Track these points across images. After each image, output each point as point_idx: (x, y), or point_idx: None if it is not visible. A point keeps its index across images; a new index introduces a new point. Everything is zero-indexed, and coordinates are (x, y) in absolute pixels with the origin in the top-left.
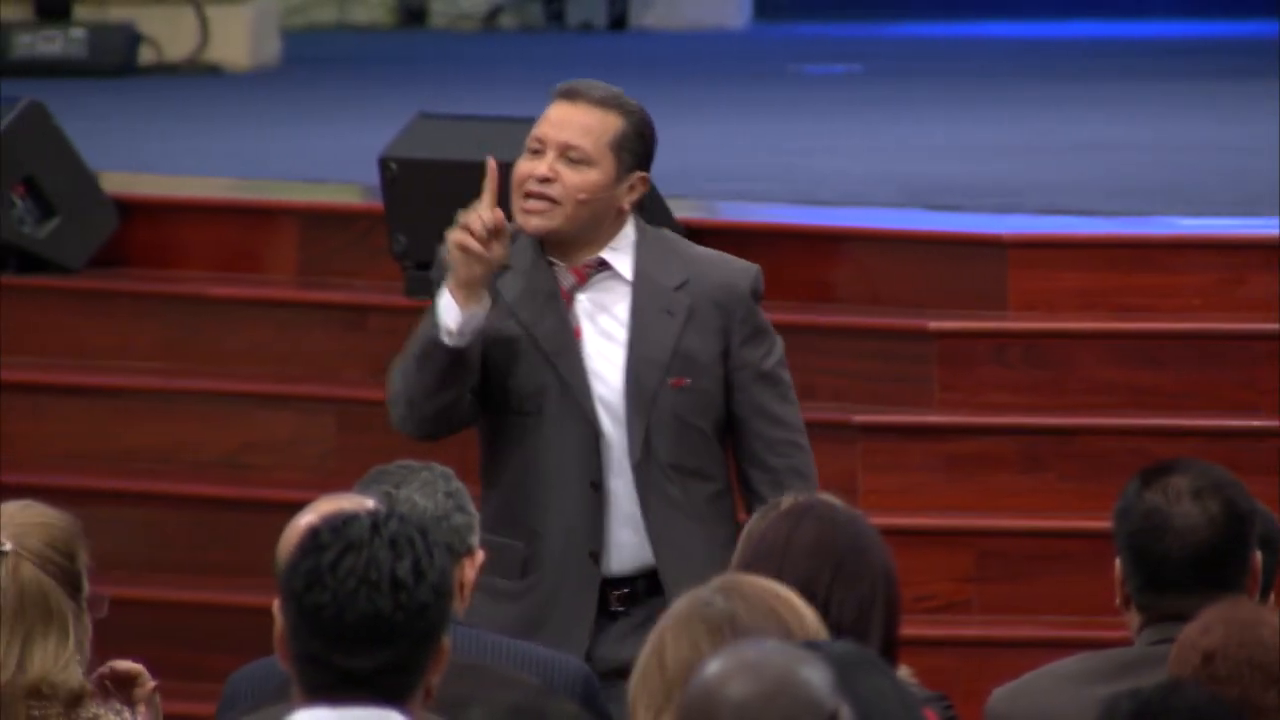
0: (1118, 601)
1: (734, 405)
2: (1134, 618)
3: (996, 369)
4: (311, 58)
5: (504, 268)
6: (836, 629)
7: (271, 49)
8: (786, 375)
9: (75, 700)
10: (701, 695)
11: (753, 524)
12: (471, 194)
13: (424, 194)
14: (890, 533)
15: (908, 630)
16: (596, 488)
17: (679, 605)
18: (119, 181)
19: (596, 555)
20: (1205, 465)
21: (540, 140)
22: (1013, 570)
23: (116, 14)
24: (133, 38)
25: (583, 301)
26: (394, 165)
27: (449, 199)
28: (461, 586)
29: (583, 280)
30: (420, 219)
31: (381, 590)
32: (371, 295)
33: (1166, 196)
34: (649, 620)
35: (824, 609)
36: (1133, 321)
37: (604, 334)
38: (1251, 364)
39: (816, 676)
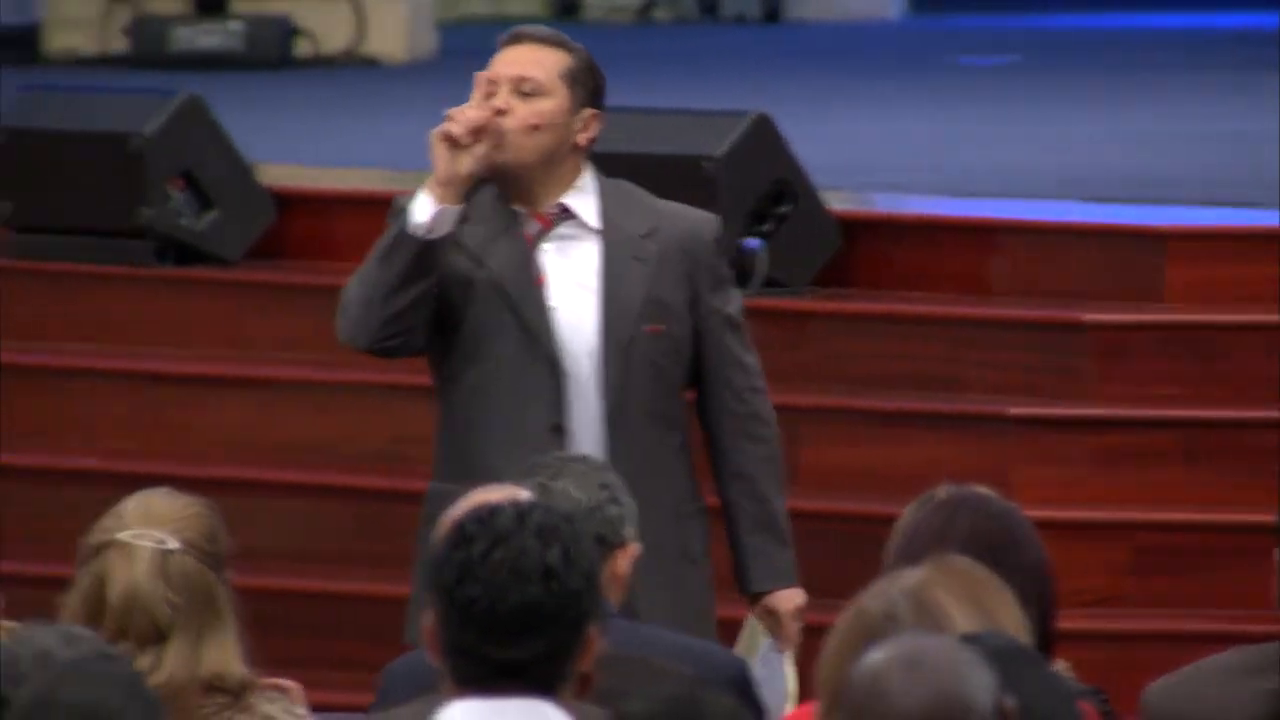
0: (1277, 594)
1: (703, 351)
2: None
3: (1153, 361)
4: (467, 50)
5: (464, 219)
6: None
7: (427, 41)
8: (744, 322)
9: (243, 690)
10: (866, 694)
11: (907, 516)
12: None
13: None
14: (1045, 526)
15: (1063, 623)
16: (558, 430)
17: (871, 609)
18: (276, 174)
19: None
20: None
21: (492, 80)
22: (1169, 564)
23: (273, 7)
24: (289, 30)
25: (549, 251)
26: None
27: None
28: (616, 578)
29: (547, 226)
30: None
31: (533, 580)
32: None
33: None
34: None
35: None
36: None
37: (575, 282)
38: None
39: (982, 676)
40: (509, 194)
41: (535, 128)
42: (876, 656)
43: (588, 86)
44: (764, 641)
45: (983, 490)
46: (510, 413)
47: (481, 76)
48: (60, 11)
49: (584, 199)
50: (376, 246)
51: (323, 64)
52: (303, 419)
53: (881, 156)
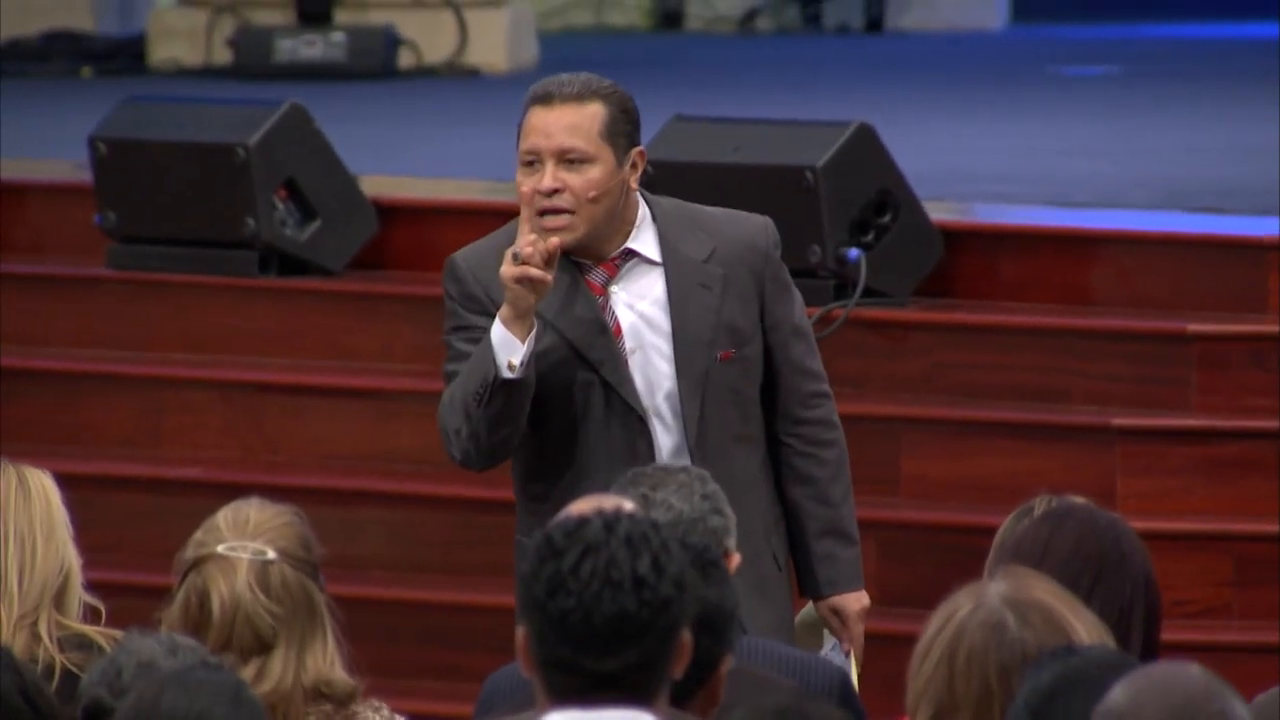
0: None
1: (771, 360)
2: None
3: (1256, 372)
4: (568, 60)
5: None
6: None
7: (529, 52)
8: (809, 325)
9: (348, 698)
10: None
11: (1007, 527)
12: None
13: (679, 196)
14: (1149, 536)
15: (1166, 635)
16: None
17: (970, 614)
18: (378, 184)
19: None
20: None
21: (533, 153)
22: (1272, 575)
23: (376, 17)
24: (392, 41)
25: (618, 293)
26: (649, 169)
27: (702, 201)
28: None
29: (614, 273)
30: None
31: (625, 589)
32: None
33: None
34: None
35: None
36: None
37: (646, 322)
38: None
39: (1239, 703)
40: (572, 251)
41: (593, 200)
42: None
43: (626, 132)
44: (828, 641)
45: (1083, 501)
46: (598, 469)
47: (521, 151)
48: (164, 23)
49: (643, 235)
50: (465, 376)
51: (425, 74)
52: (404, 429)
53: (983, 166)
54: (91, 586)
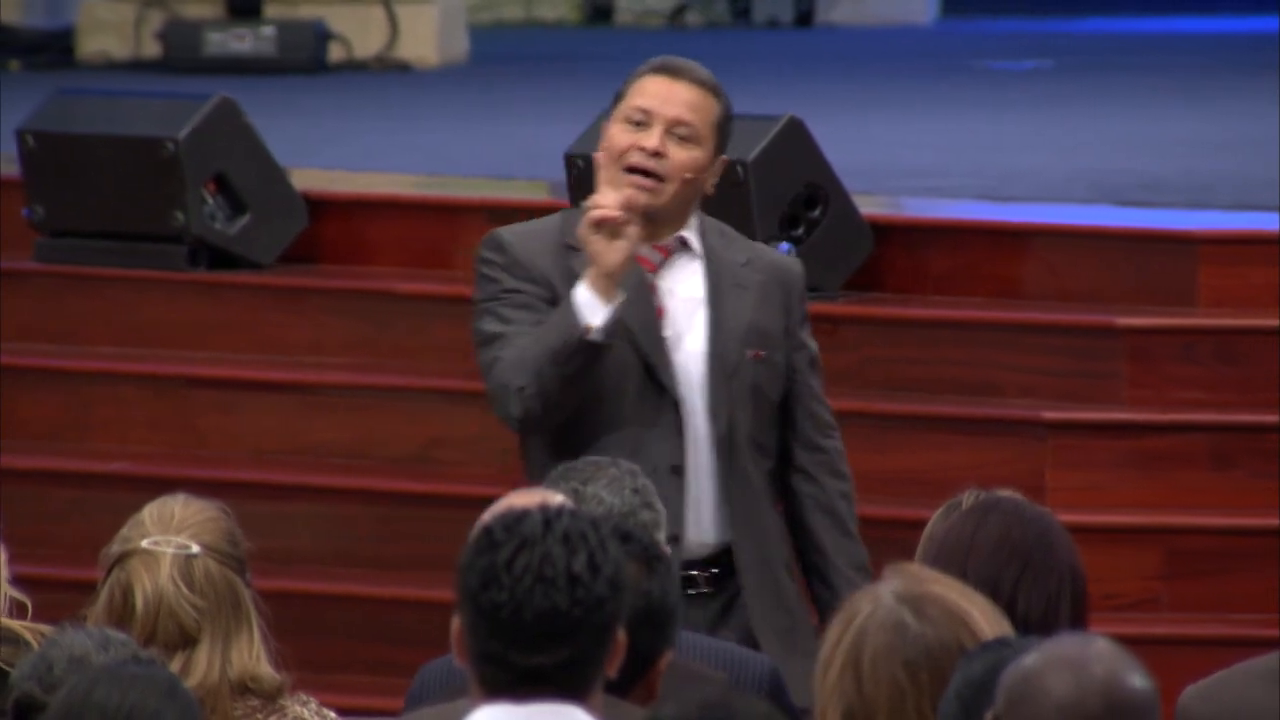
0: None
1: (793, 384)
2: None
3: (1185, 366)
4: (499, 54)
5: (574, 248)
6: (1023, 626)
7: (459, 46)
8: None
9: (275, 693)
10: (1025, 696)
11: (935, 521)
12: None
13: None
14: (1078, 530)
15: (1096, 628)
16: (678, 472)
17: (869, 617)
18: (309, 178)
19: (678, 538)
20: None
21: (645, 112)
22: (1201, 568)
23: (306, 11)
24: (322, 35)
25: (662, 279)
26: (580, 162)
27: None
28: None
29: (667, 257)
30: None
31: (558, 586)
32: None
33: None
34: (733, 603)
35: (1010, 606)
36: None
37: (685, 309)
38: None
39: (1142, 672)
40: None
41: (687, 181)
42: (1033, 659)
43: (727, 134)
44: None
45: (1012, 494)
46: (632, 449)
47: (630, 107)
48: (93, 16)
49: (692, 231)
50: (541, 340)
51: (355, 68)
52: (335, 423)
53: (913, 160)
54: (18, 581)
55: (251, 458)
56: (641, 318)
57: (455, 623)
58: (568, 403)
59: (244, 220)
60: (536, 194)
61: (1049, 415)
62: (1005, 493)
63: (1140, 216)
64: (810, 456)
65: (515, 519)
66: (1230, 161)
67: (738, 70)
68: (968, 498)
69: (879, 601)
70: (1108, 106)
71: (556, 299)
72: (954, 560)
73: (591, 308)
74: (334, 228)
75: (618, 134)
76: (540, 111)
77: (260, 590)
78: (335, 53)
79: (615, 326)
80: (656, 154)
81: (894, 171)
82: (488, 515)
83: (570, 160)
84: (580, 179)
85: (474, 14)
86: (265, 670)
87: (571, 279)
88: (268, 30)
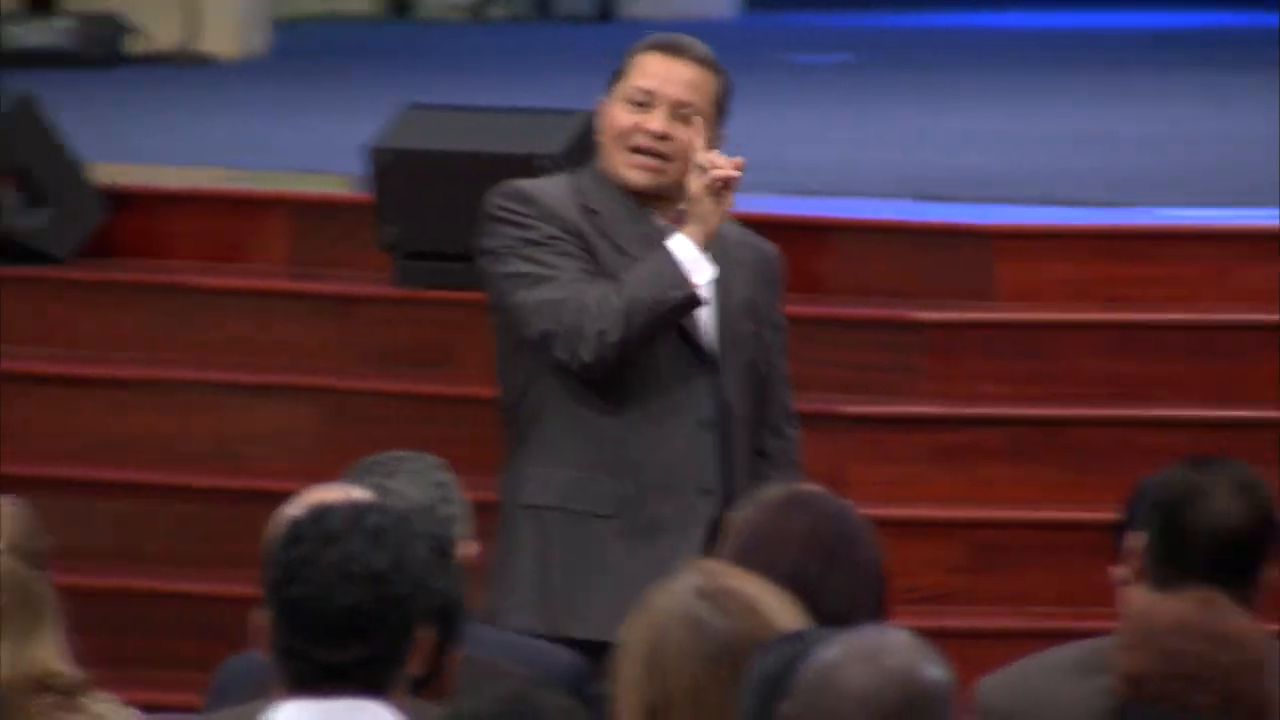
0: (1120, 577)
1: (769, 367)
2: (1137, 599)
3: (985, 360)
4: (300, 48)
5: (593, 210)
6: (827, 619)
7: (260, 39)
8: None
9: (74, 690)
10: (821, 688)
11: (740, 515)
12: (461, 184)
13: (413, 185)
14: (879, 523)
15: (895, 620)
16: (712, 425)
17: (666, 613)
18: (108, 172)
19: (708, 490)
20: (1250, 468)
21: (649, 93)
22: (1001, 561)
23: (105, 4)
24: (120, 28)
25: None
26: (384, 155)
27: (438, 190)
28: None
29: (678, 223)
30: (409, 210)
31: (360, 583)
32: (360, 286)
33: (1158, 187)
34: None
35: (814, 599)
36: (1121, 312)
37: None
38: (1241, 354)
39: (938, 662)
40: (636, 199)
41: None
42: (831, 652)
43: (726, 109)
44: None
45: (816, 488)
46: (662, 407)
47: (632, 87)
48: None
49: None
50: (634, 289)
51: (154, 61)
52: (133, 418)
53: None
54: None
55: (50, 453)
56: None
57: (256, 616)
58: (642, 350)
59: (42, 214)
60: (338, 188)
61: (850, 409)
62: (810, 487)
63: (940, 211)
64: (775, 443)
65: (322, 514)
66: (1028, 156)
67: (541, 64)
68: (773, 491)
69: (676, 597)
70: (908, 101)
71: (590, 250)
72: (759, 553)
73: (698, 265)
74: (133, 222)
75: (620, 114)
76: (342, 105)
77: (60, 587)
78: (135, 45)
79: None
80: (663, 136)
81: None
82: (291, 510)
83: (373, 154)
84: (383, 173)
85: (276, 6)
86: (64, 667)
87: (597, 237)
88: (65, 23)
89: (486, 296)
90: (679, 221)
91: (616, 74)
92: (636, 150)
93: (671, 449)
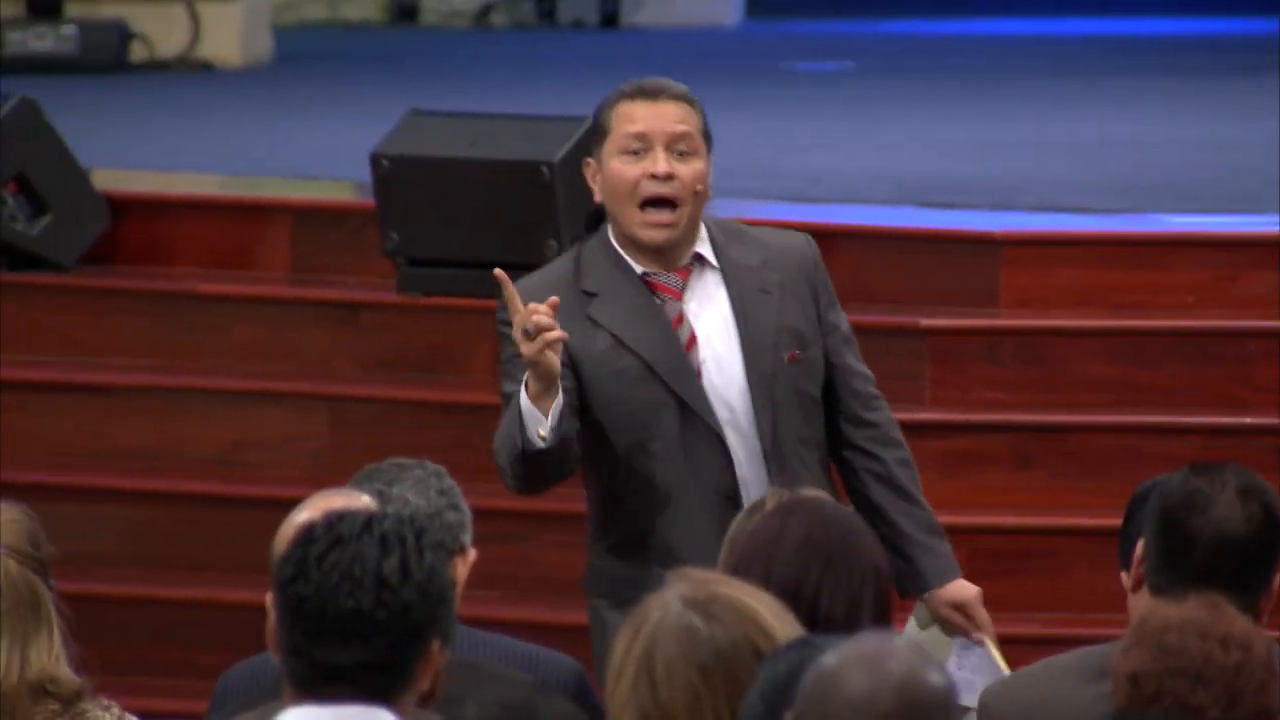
0: (1128, 584)
1: (830, 368)
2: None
3: (988, 366)
4: (303, 54)
5: (590, 293)
6: (826, 625)
7: (263, 46)
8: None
9: (75, 697)
10: (824, 695)
11: (739, 523)
12: (464, 191)
13: (416, 191)
14: None
15: (898, 627)
16: (732, 498)
17: (658, 624)
18: (111, 179)
19: None
20: (1256, 474)
21: (642, 136)
22: (1004, 567)
23: (108, 11)
24: (124, 35)
25: (689, 302)
26: (386, 162)
27: (441, 196)
28: (453, 584)
29: (687, 278)
30: (412, 216)
31: (364, 586)
32: (363, 292)
33: (1161, 194)
34: None
35: (813, 605)
36: (1126, 319)
37: (715, 327)
38: (1245, 361)
39: (939, 670)
40: (642, 258)
41: (698, 194)
42: (832, 658)
43: (710, 138)
44: (953, 641)
45: (816, 494)
46: (681, 489)
47: (622, 136)
48: None
49: (704, 243)
50: (506, 433)
51: (157, 68)
52: (136, 425)
53: (718, 161)
54: None
55: (54, 460)
56: (669, 355)
57: (271, 616)
58: (553, 479)
59: (45, 221)
60: (341, 194)
61: None
62: (809, 493)
63: (943, 218)
64: (861, 432)
65: (338, 517)
66: (1031, 163)
67: (544, 71)
68: (771, 499)
69: (668, 608)
70: (911, 108)
71: (570, 359)
72: (758, 561)
73: (534, 419)
74: (136, 228)
75: (619, 168)
76: (345, 112)
77: (62, 593)
78: (138, 52)
79: (562, 422)
80: (669, 176)
81: None
82: (302, 514)
83: (376, 160)
84: (386, 179)
85: (278, 14)
86: (65, 673)
87: (591, 326)
88: (69, 29)
89: None
90: (686, 275)
91: (595, 134)
92: (647, 203)
93: (699, 529)
